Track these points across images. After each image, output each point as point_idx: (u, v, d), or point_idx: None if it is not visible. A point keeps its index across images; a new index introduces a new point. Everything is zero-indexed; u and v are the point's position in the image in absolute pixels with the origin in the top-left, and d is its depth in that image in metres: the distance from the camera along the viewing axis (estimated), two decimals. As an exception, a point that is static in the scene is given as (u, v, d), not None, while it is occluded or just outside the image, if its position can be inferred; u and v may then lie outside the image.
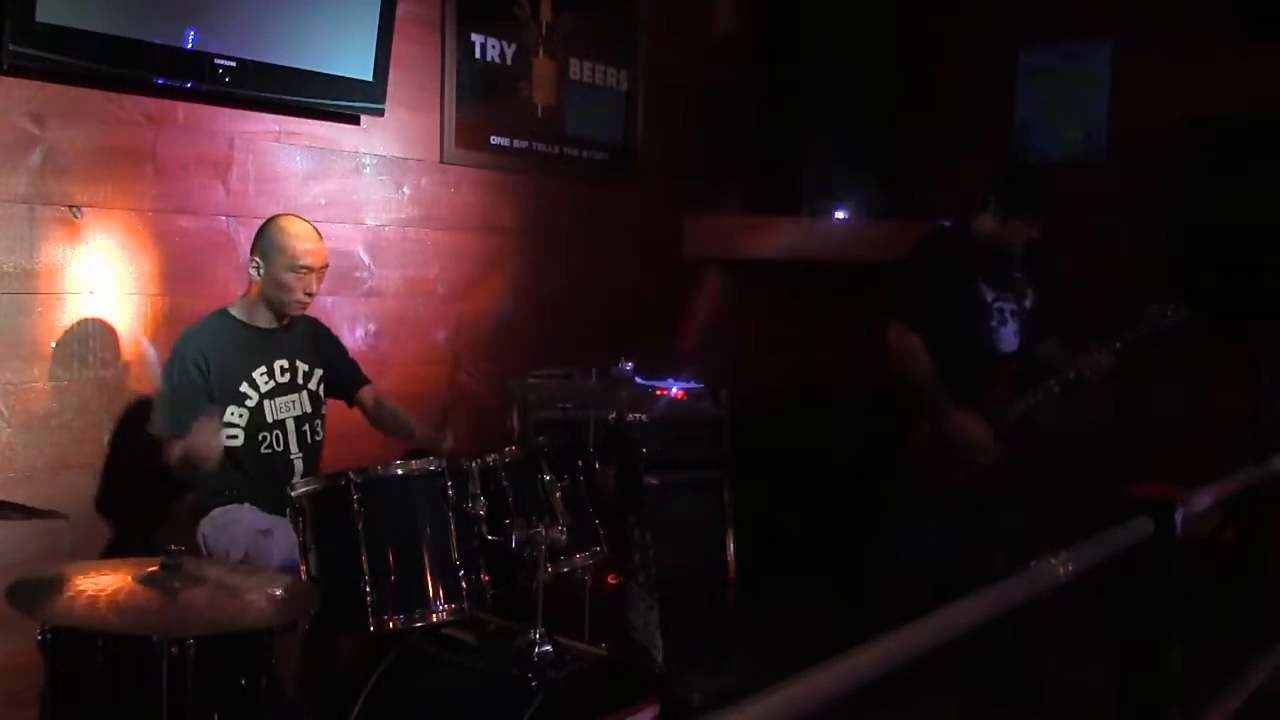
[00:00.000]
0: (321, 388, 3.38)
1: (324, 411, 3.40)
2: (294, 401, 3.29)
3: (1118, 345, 3.84)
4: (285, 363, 3.29)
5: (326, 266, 3.28)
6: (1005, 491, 3.88)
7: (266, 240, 3.21)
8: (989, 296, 3.94)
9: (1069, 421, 4.11)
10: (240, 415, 3.18)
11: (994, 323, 3.95)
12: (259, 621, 2.38)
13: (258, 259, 3.20)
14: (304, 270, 3.19)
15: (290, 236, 3.19)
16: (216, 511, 3.13)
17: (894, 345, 3.90)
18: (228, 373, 3.17)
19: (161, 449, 3.09)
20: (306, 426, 3.30)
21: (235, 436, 3.16)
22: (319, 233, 3.27)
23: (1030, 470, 3.91)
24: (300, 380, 3.32)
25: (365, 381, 3.54)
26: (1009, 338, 3.97)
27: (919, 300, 3.92)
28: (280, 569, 2.88)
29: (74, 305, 3.25)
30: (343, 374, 3.49)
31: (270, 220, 3.27)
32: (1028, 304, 3.99)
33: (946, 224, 4.09)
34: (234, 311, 3.26)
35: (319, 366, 3.39)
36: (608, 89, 4.87)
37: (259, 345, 3.25)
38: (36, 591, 2.31)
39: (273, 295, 3.22)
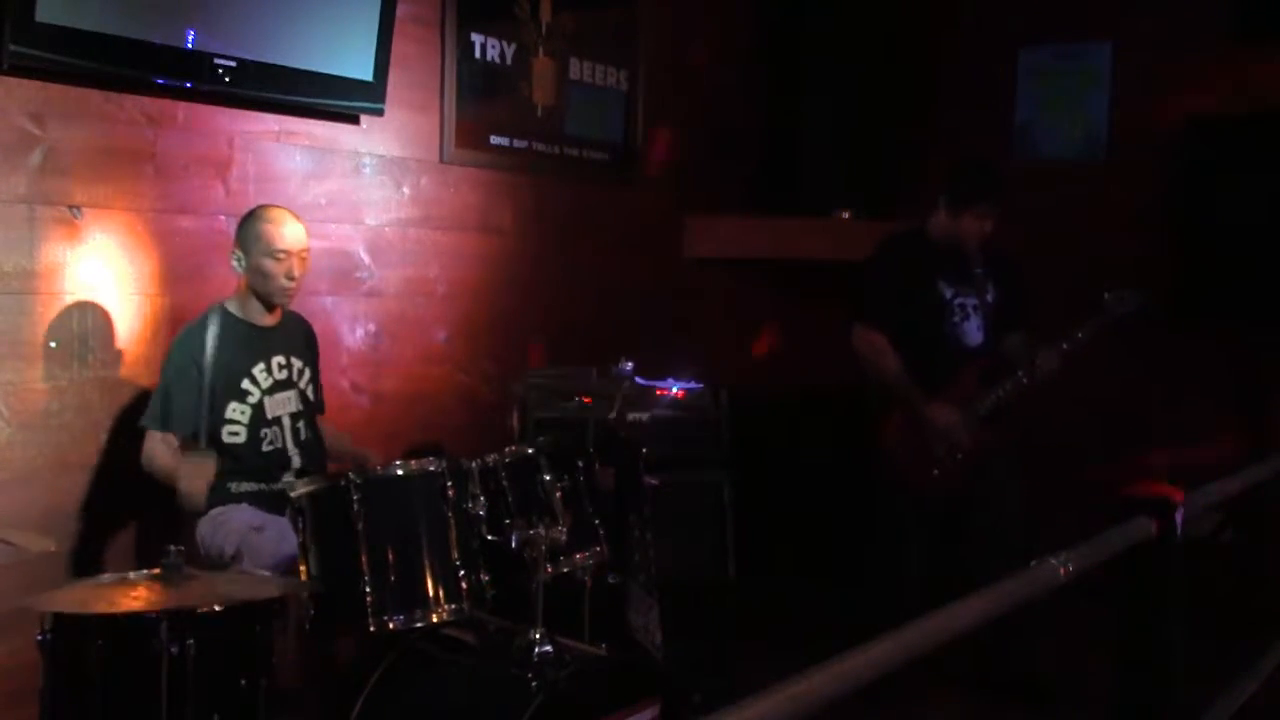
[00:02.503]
0: (310, 387, 3.38)
1: (316, 411, 3.40)
2: (289, 398, 3.29)
3: (1077, 338, 3.85)
4: (282, 359, 3.30)
5: (308, 251, 3.27)
6: (978, 489, 3.89)
7: (245, 230, 3.21)
8: (948, 293, 3.97)
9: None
10: (243, 412, 3.18)
11: (956, 319, 3.97)
12: (260, 595, 2.40)
13: (239, 250, 3.20)
14: (282, 254, 3.17)
15: (266, 222, 3.19)
16: (215, 510, 3.13)
17: (859, 346, 3.93)
18: (232, 370, 3.17)
19: (142, 441, 3.10)
20: (300, 423, 3.31)
21: (237, 434, 3.17)
22: (297, 217, 3.27)
23: (1002, 465, 3.92)
24: (294, 377, 3.32)
25: (321, 411, 3.52)
26: (973, 333, 3.99)
27: (880, 300, 3.95)
28: (272, 563, 2.89)
29: (74, 305, 3.25)
30: (315, 387, 3.46)
31: (249, 211, 3.27)
32: (990, 299, 4.00)
33: (913, 225, 4.10)
34: (230, 307, 3.26)
35: (309, 366, 3.40)
36: (608, 89, 4.87)
37: (258, 342, 3.25)
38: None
39: (257, 285, 3.21)
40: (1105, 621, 2.39)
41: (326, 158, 3.88)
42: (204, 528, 3.13)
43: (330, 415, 3.51)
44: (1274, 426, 4.62)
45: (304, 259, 3.26)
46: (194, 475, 2.93)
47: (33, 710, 2.39)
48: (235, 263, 3.21)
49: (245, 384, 3.19)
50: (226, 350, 3.16)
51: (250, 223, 3.21)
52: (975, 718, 3.88)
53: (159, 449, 3.09)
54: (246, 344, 3.23)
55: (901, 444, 3.92)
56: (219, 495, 3.14)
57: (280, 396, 3.27)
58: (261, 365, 3.23)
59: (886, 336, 3.89)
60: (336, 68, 3.71)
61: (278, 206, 3.29)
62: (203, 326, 3.17)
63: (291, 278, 3.21)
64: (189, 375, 3.08)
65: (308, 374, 3.38)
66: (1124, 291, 3.89)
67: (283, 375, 3.29)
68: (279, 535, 2.95)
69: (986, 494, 3.90)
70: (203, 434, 3.01)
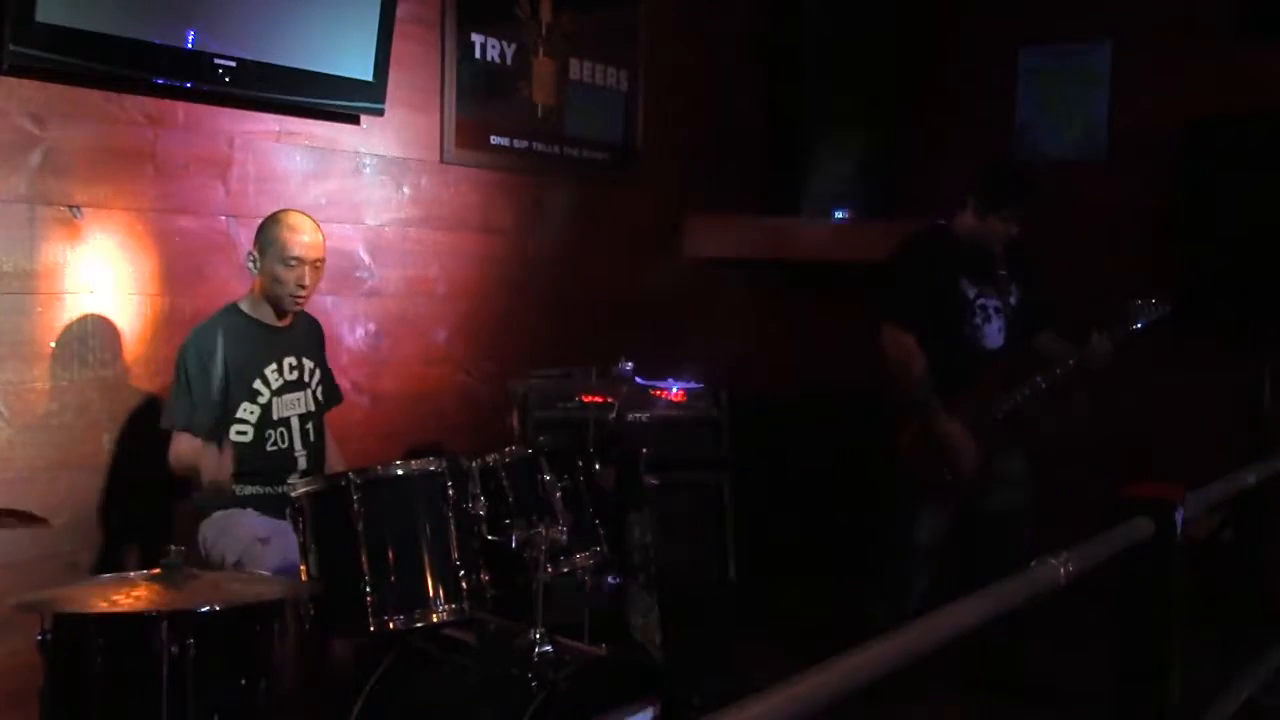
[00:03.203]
0: (320, 388, 3.38)
1: (331, 404, 3.42)
2: (299, 399, 3.30)
3: (1118, 338, 3.86)
4: (293, 360, 3.29)
5: (322, 260, 3.26)
6: (990, 489, 3.89)
7: (263, 232, 3.21)
8: (971, 294, 3.94)
9: (1057, 420, 4.14)
10: (252, 412, 3.18)
11: (978, 320, 3.95)
12: (261, 597, 2.40)
13: (254, 252, 3.20)
14: (295, 262, 3.17)
15: (284, 228, 3.19)
16: (218, 514, 3.13)
17: (888, 347, 3.87)
18: (243, 369, 3.17)
19: (168, 443, 3.10)
20: (310, 425, 3.31)
21: (245, 433, 3.16)
22: (317, 226, 3.25)
23: (1013, 455, 3.92)
24: (305, 378, 3.32)
25: (339, 400, 3.53)
26: (994, 335, 3.97)
27: (908, 299, 3.92)
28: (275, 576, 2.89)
29: (74, 305, 3.25)
30: (326, 386, 3.47)
31: (270, 214, 3.26)
32: (1013, 300, 3.98)
33: (938, 223, 4.08)
34: (243, 307, 3.26)
35: (320, 366, 3.40)
36: (608, 89, 4.87)
37: (269, 342, 3.25)
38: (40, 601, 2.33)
39: (268, 289, 3.21)
40: (1105, 621, 2.39)
41: (326, 158, 3.88)
42: (208, 530, 3.13)
43: (332, 415, 3.51)
44: (1274, 426, 4.62)
45: (318, 268, 3.25)
46: (217, 469, 2.94)
47: (33, 710, 2.39)
48: (250, 264, 3.21)
49: (257, 384, 3.20)
50: (239, 350, 3.16)
51: (269, 226, 3.21)
52: (975, 718, 3.87)
53: (184, 447, 3.07)
54: (258, 344, 3.23)
55: (917, 446, 3.90)
56: (225, 498, 3.14)
57: (290, 398, 3.27)
58: (273, 366, 3.24)
59: (915, 337, 3.87)
60: (336, 68, 3.71)
61: (299, 213, 3.27)
62: (215, 325, 3.17)
63: (303, 286, 3.20)
64: (205, 374, 3.07)
65: (318, 375, 3.37)
66: (1151, 301, 3.89)
67: (293, 376, 3.29)
68: (284, 549, 2.94)
69: (997, 487, 3.89)
70: (220, 431, 3.01)
